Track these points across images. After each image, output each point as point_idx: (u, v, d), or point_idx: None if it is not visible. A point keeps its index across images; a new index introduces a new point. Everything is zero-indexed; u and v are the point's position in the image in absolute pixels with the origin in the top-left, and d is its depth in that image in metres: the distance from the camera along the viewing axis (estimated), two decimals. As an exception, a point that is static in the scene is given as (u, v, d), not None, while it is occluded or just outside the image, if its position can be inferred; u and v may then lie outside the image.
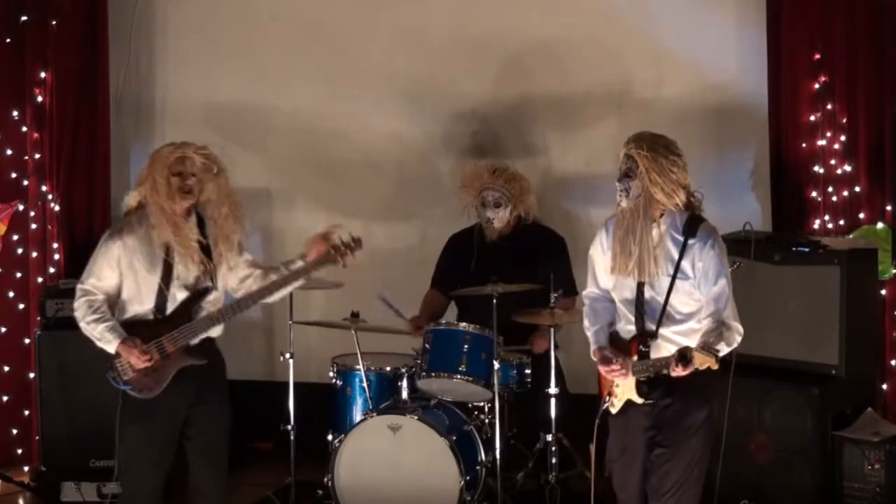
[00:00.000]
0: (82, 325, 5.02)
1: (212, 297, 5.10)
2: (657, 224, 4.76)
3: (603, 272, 4.91)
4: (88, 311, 5.00)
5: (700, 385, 4.76)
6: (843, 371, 5.84)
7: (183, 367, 5.03)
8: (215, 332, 5.15)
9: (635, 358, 4.75)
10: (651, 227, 4.74)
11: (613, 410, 4.88)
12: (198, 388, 5.07)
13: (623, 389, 4.82)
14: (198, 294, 5.06)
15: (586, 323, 4.95)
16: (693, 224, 4.77)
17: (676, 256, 4.73)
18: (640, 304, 4.78)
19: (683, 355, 4.54)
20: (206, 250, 5.09)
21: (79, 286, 5.07)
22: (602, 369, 4.81)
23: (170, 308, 5.03)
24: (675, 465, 4.79)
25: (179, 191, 5.00)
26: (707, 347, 4.55)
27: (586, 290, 5.01)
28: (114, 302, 5.06)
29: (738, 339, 4.73)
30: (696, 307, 4.76)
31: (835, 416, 5.88)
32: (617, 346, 4.84)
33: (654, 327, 4.75)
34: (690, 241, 4.74)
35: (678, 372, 4.56)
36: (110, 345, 4.97)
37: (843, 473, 5.81)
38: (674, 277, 4.72)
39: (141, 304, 5.04)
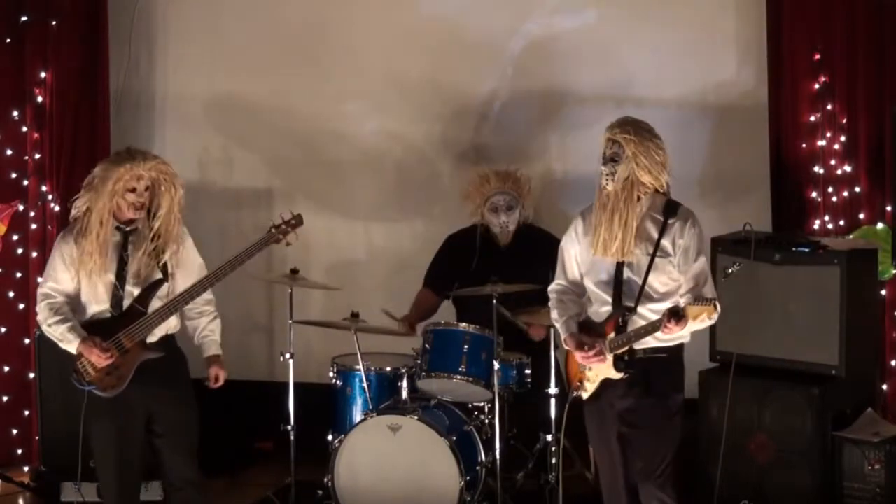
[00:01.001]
0: (44, 327, 5.10)
1: (164, 289, 5.13)
2: (639, 205, 4.86)
3: (574, 262, 5.00)
4: (49, 313, 5.07)
5: (675, 370, 4.92)
6: (843, 371, 5.84)
7: (143, 361, 5.07)
8: (173, 326, 5.19)
9: (612, 335, 4.80)
10: (635, 208, 4.84)
11: (585, 395, 4.94)
12: (160, 384, 5.10)
13: (597, 371, 4.88)
14: (150, 287, 5.10)
15: (554, 315, 5.03)
16: (672, 206, 4.90)
17: (656, 236, 4.83)
18: (618, 285, 4.86)
19: (675, 312, 4.63)
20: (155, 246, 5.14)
21: (39, 290, 5.16)
22: (578, 356, 4.87)
23: (126, 305, 5.08)
24: (660, 446, 4.89)
25: (131, 206, 5.06)
26: (699, 298, 4.67)
27: (552, 285, 5.09)
28: (75, 303, 5.11)
29: (716, 315, 4.78)
30: (673, 287, 4.87)
31: (835, 416, 5.88)
32: (589, 331, 4.90)
33: (632, 304, 4.82)
34: (670, 221, 4.87)
35: (671, 328, 4.65)
36: (71, 345, 5.04)
37: (843, 473, 5.82)
38: (653, 256, 4.81)
39: (98, 303, 5.10)
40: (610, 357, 4.81)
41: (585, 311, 4.99)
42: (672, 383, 4.91)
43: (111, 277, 5.08)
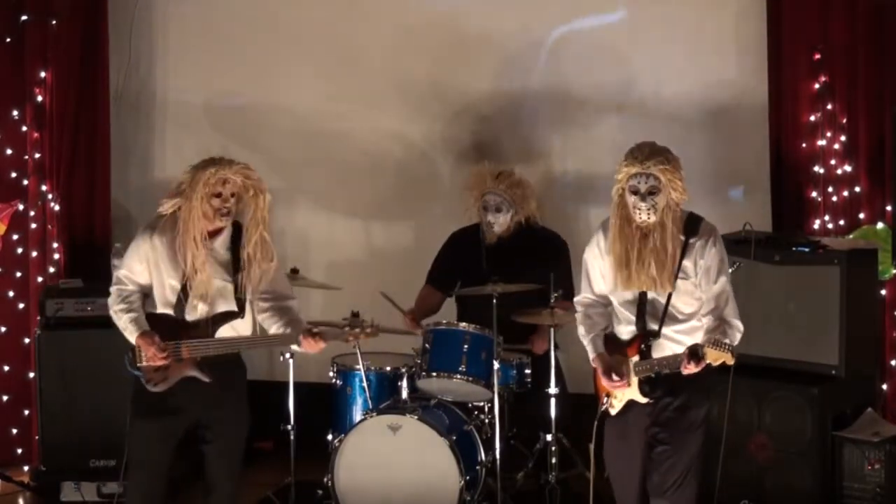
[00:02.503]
0: (111, 312, 5.12)
1: (238, 321, 5.11)
2: None
3: (599, 276, 4.93)
4: (117, 299, 5.09)
5: (701, 383, 4.84)
6: (843, 371, 5.84)
7: (187, 376, 5.04)
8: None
9: (636, 358, 4.78)
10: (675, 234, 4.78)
11: (613, 412, 4.91)
12: (218, 389, 5.09)
13: (623, 391, 4.85)
14: (224, 316, 5.08)
15: (582, 330, 4.97)
16: (693, 223, 4.82)
17: (678, 256, 4.76)
18: (642, 305, 4.81)
19: (695, 352, 4.62)
20: (235, 266, 5.08)
21: (115, 272, 5.18)
22: (604, 380, 4.84)
23: (189, 315, 5.06)
24: (678, 461, 4.86)
25: (217, 212, 4.99)
26: (719, 343, 4.62)
27: (579, 297, 5.03)
28: (150, 294, 5.10)
29: (739, 336, 4.80)
30: (696, 306, 4.81)
31: (835, 416, 5.89)
32: (613, 349, 4.87)
33: (656, 327, 4.78)
34: (692, 240, 4.79)
35: (690, 369, 4.63)
36: (131, 335, 5.05)
37: (843, 473, 5.82)
38: (675, 278, 4.74)
39: (164, 305, 5.08)
40: (635, 380, 4.81)
41: (612, 324, 4.96)
42: (698, 396, 4.86)
43: (178, 285, 5.03)
